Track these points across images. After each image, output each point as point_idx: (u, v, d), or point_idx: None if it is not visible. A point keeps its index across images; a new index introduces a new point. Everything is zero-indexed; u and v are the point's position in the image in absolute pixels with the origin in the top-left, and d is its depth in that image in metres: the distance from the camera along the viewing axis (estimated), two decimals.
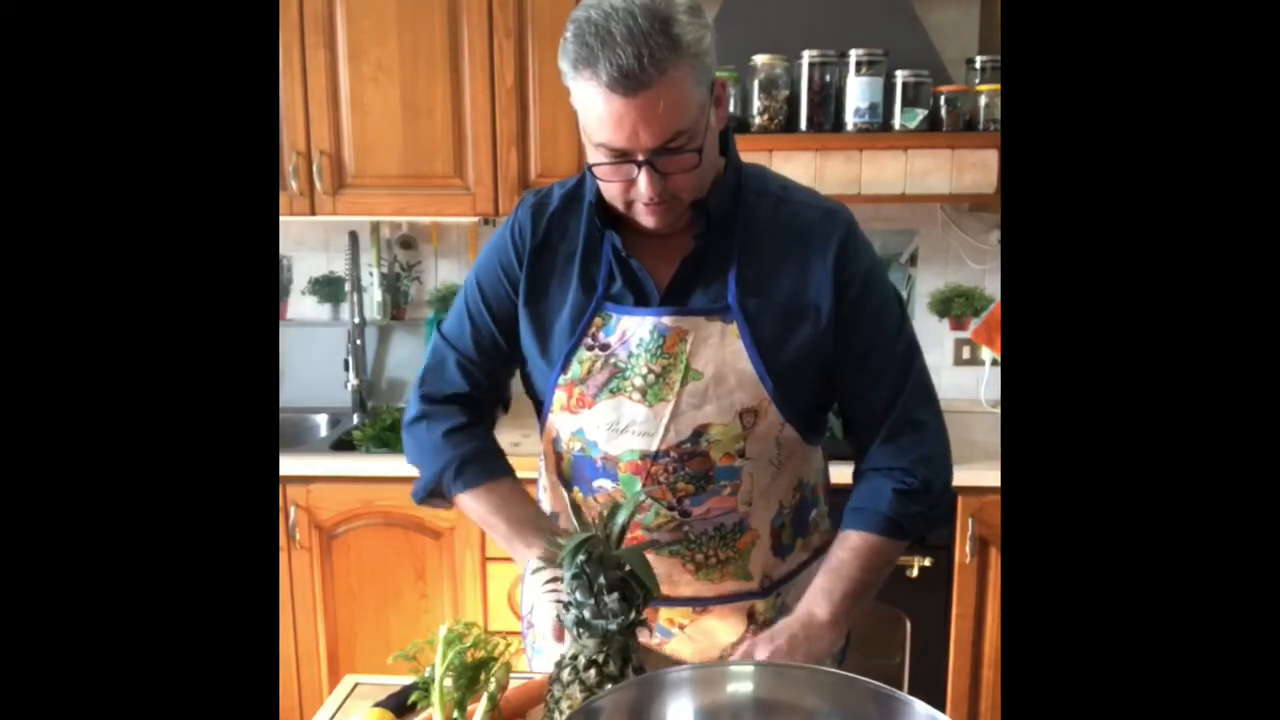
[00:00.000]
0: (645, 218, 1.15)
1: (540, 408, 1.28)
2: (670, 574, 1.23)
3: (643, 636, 1.23)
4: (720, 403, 1.17)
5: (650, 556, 1.21)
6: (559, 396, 1.22)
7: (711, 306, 1.19)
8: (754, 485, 1.21)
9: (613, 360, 1.19)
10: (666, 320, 1.18)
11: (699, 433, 1.18)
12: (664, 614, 1.26)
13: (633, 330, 1.19)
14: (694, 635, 1.26)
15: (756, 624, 1.25)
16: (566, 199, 1.26)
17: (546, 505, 1.35)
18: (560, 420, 1.24)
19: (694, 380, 1.17)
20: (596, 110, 1.07)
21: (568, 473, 1.26)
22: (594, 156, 1.12)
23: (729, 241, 1.20)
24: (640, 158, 1.08)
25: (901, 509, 1.20)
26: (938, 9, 2.59)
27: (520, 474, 1.32)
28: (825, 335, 1.19)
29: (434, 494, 1.31)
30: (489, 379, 1.31)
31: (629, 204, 1.15)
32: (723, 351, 1.18)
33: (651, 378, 1.18)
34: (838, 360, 1.21)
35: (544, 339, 1.23)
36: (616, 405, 1.19)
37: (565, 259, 1.24)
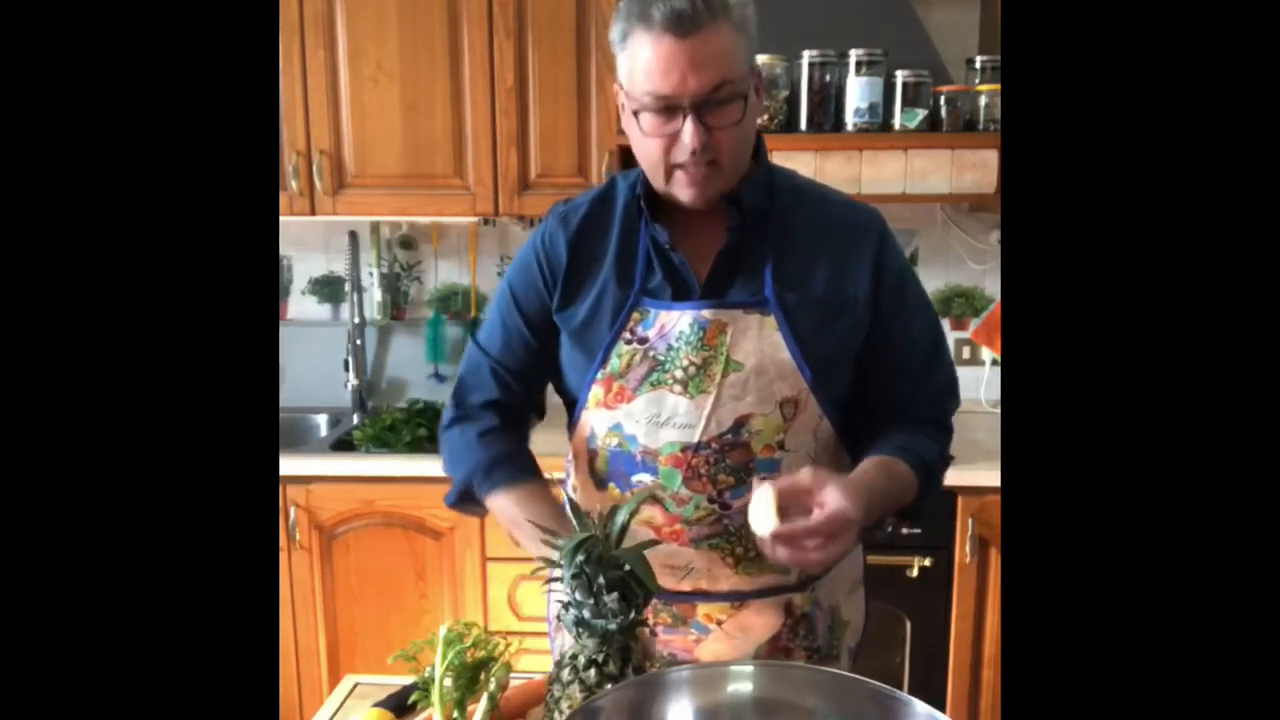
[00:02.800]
0: (685, 186, 1.17)
1: (572, 408, 1.29)
2: (710, 568, 1.23)
3: (678, 634, 1.24)
4: (761, 393, 1.19)
5: (690, 550, 1.22)
6: (595, 392, 1.23)
7: (749, 300, 1.21)
8: None
9: (652, 354, 1.21)
10: (706, 313, 1.20)
11: (740, 423, 1.19)
12: (701, 609, 1.26)
13: (672, 324, 1.21)
14: (731, 631, 1.26)
15: (794, 617, 1.26)
16: (597, 202, 1.29)
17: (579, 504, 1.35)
18: (596, 417, 1.25)
19: (735, 371, 1.19)
20: (646, 59, 1.11)
21: (603, 470, 1.26)
22: (641, 120, 1.15)
23: (764, 237, 1.23)
24: (687, 104, 1.11)
25: (937, 472, 1.26)
26: (938, 9, 2.58)
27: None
28: (861, 327, 1.23)
29: (465, 498, 1.31)
30: (523, 385, 1.33)
31: (670, 170, 1.16)
32: (761, 343, 1.20)
33: (693, 370, 1.19)
34: (876, 350, 1.25)
35: (582, 335, 1.25)
36: (658, 398, 1.20)
37: (598, 256, 1.26)
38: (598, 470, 1.27)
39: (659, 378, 1.20)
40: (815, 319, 1.21)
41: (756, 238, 1.22)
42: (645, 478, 1.22)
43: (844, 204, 1.29)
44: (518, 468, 1.29)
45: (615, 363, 1.22)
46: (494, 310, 1.34)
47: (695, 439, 1.19)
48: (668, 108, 1.12)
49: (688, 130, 1.12)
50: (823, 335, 1.21)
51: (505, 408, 1.33)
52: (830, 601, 1.31)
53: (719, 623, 1.26)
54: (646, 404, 1.20)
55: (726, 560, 1.23)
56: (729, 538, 1.22)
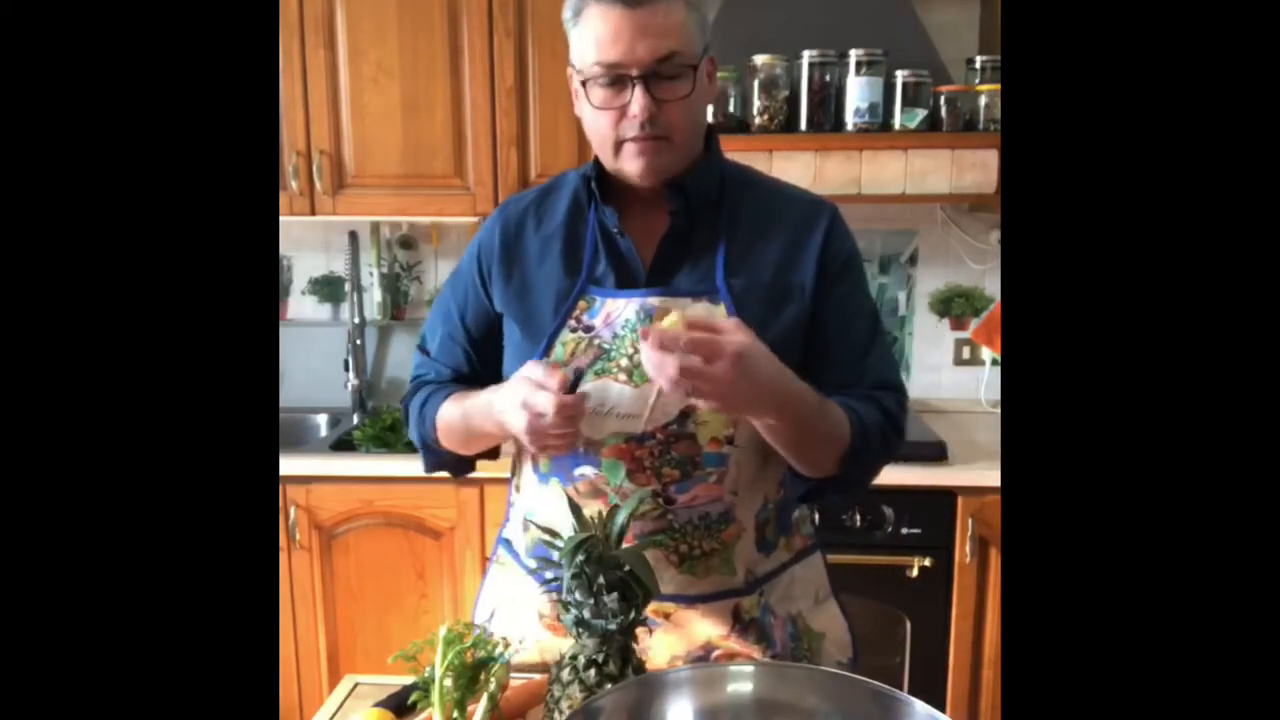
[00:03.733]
0: (634, 158, 1.17)
1: None
2: (653, 568, 1.21)
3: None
4: None
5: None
6: None
7: (698, 288, 1.20)
8: (740, 474, 1.21)
9: (597, 342, 1.20)
10: (653, 300, 1.19)
11: (686, 413, 1.17)
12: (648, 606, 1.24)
13: (618, 312, 1.20)
14: (680, 621, 1.24)
15: (742, 623, 1.24)
16: (542, 192, 1.31)
17: (524, 503, 1.33)
18: None
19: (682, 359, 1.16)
20: (597, 32, 1.13)
21: (545, 465, 1.25)
22: (590, 94, 1.16)
23: (714, 225, 1.23)
24: (635, 73, 1.12)
25: (873, 440, 1.18)
26: (938, 9, 2.59)
27: (495, 474, 1.31)
28: (806, 313, 1.22)
29: (428, 450, 1.35)
30: (467, 375, 1.34)
31: (619, 144, 1.17)
32: None
33: (638, 358, 1.17)
34: (815, 328, 1.22)
35: (525, 323, 1.24)
36: (602, 387, 1.18)
37: (543, 244, 1.26)
38: (540, 465, 1.26)
39: (604, 366, 1.19)
40: (763, 306, 1.20)
41: (706, 227, 1.22)
42: (588, 470, 1.20)
43: (796, 196, 1.29)
44: (444, 394, 1.30)
45: (559, 351, 1.21)
46: (437, 310, 1.36)
47: (640, 428, 1.16)
48: (617, 79, 1.14)
49: (636, 100, 1.13)
50: (771, 323, 1.19)
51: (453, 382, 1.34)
52: (787, 610, 1.29)
53: (666, 615, 1.24)
54: (591, 393, 1.18)
55: (670, 559, 1.21)
56: (673, 534, 1.20)
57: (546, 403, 1.09)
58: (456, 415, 1.27)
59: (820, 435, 1.15)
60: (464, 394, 1.28)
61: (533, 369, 1.13)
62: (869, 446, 1.18)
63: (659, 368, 1.01)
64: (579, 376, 1.11)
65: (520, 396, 1.12)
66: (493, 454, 1.36)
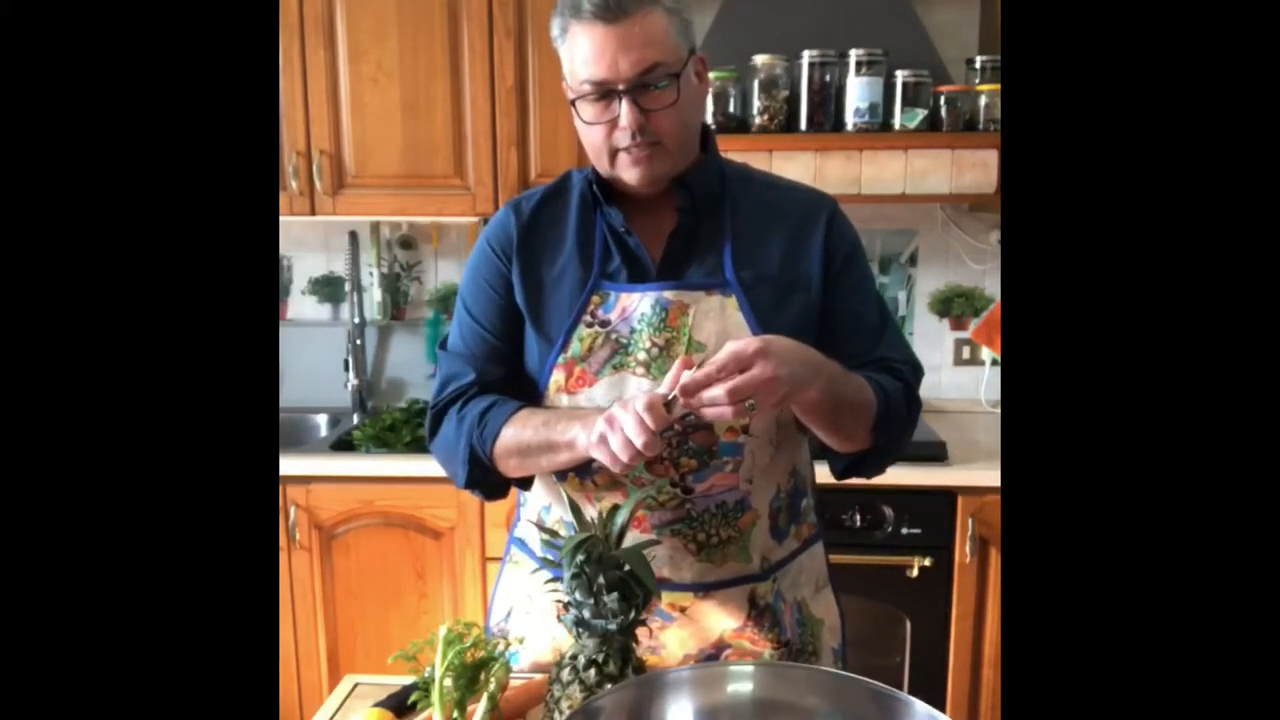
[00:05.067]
0: (630, 168, 1.19)
1: (532, 399, 1.27)
2: (673, 556, 1.23)
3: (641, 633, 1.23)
4: None
5: (652, 537, 1.21)
6: (556, 377, 1.23)
7: (709, 281, 1.23)
8: (755, 463, 1.23)
9: (614, 336, 1.22)
10: (668, 294, 1.22)
11: None
12: (665, 598, 1.25)
13: (633, 306, 1.22)
14: (694, 616, 1.26)
15: (758, 609, 1.26)
16: (551, 193, 1.31)
17: (538, 496, 1.34)
18: (557, 402, 1.24)
19: (697, 352, 1.19)
20: (582, 50, 1.15)
21: None
22: (580, 109, 1.19)
23: (719, 221, 1.25)
24: (621, 88, 1.14)
25: (896, 406, 1.21)
26: (938, 9, 2.59)
27: None
28: (816, 304, 1.24)
29: (475, 469, 1.26)
30: (499, 369, 1.29)
31: (614, 154, 1.19)
32: (724, 324, 1.21)
33: (655, 351, 1.20)
34: (826, 321, 1.25)
35: (541, 320, 1.25)
36: (620, 381, 1.20)
37: (556, 242, 1.27)
38: None
39: (621, 360, 1.21)
40: (773, 298, 1.22)
41: (712, 222, 1.25)
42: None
43: (795, 188, 1.32)
44: (512, 406, 1.23)
45: (576, 346, 1.22)
46: (458, 312, 1.32)
47: None
48: (604, 93, 1.16)
49: (624, 112, 1.15)
50: (781, 314, 1.22)
51: (486, 387, 1.28)
52: (795, 596, 1.31)
53: (683, 609, 1.25)
54: (608, 387, 1.20)
55: (689, 547, 1.23)
56: (691, 523, 1.22)
57: (632, 428, 1.05)
58: (535, 424, 1.20)
59: (851, 402, 1.17)
60: (541, 409, 1.23)
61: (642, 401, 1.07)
62: (894, 411, 1.21)
63: (712, 402, 1.03)
64: (669, 406, 1.09)
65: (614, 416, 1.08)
66: (526, 483, 1.31)
